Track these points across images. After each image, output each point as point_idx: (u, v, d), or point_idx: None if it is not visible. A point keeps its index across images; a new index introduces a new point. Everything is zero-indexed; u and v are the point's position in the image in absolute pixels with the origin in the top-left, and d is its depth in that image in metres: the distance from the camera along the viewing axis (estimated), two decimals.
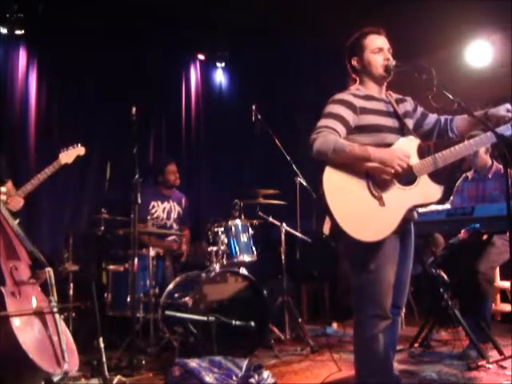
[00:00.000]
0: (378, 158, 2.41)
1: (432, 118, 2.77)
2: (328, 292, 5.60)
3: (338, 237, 2.50)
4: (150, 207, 4.89)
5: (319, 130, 2.48)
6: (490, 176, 4.15)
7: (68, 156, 3.84)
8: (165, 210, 4.97)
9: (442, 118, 2.75)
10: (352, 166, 2.45)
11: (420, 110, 2.79)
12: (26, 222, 4.21)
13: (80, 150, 3.92)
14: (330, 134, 2.45)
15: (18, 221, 3.93)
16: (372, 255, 2.47)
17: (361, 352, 2.56)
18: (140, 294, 4.06)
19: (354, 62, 2.67)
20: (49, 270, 3.05)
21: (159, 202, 4.97)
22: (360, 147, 2.43)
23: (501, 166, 4.08)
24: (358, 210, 2.44)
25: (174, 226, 5.00)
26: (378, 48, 2.61)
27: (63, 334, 2.90)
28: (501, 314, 5.02)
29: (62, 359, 2.78)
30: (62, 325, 3.01)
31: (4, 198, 3.16)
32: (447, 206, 4.08)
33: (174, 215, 5.02)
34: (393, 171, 2.43)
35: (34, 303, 2.95)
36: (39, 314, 2.88)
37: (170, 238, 4.92)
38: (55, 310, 2.91)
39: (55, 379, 2.73)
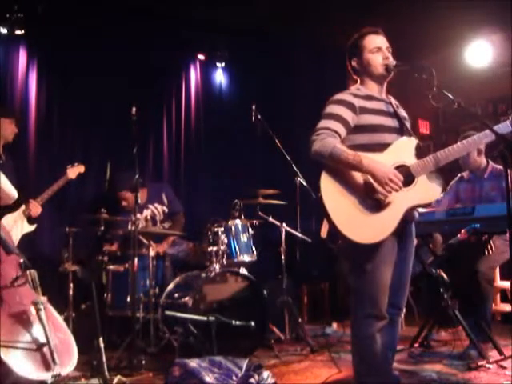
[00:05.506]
0: (369, 170, 2.41)
1: None
2: (328, 292, 5.59)
3: (337, 238, 2.49)
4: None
5: (319, 131, 2.49)
6: (485, 176, 4.14)
7: (73, 172, 4.28)
8: (147, 218, 4.70)
9: None
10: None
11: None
12: None
13: (81, 168, 4.36)
14: (329, 137, 2.45)
15: (34, 226, 3.95)
16: (369, 256, 2.47)
17: (358, 351, 2.56)
18: (140, 294, 4.05)
19: (354, 63, 2.68)
20: (31, 272, 2.98)
21: (138, 215, 4.72)
22: (355, 157, 2.41)
23: (497, 166, 4.08)
24: (356, 212, 2.43)
25: (165, 225, 4.88)
26: (376, 47, 2.61)
27: (57, 331, 2.84)
28: (501, 314, 5.03)
29: (51, 362, 2.68)
30: (59, 322, 2.97)
31: None
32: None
33: (159, 217, 4.85)
34: (385, 192, 2.40)
35: (18, 308, 2.83)
36: (25, 319, 2.78)
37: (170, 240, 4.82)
38: (42, 313, 2.79)
39: (49, 382, 2.68)
